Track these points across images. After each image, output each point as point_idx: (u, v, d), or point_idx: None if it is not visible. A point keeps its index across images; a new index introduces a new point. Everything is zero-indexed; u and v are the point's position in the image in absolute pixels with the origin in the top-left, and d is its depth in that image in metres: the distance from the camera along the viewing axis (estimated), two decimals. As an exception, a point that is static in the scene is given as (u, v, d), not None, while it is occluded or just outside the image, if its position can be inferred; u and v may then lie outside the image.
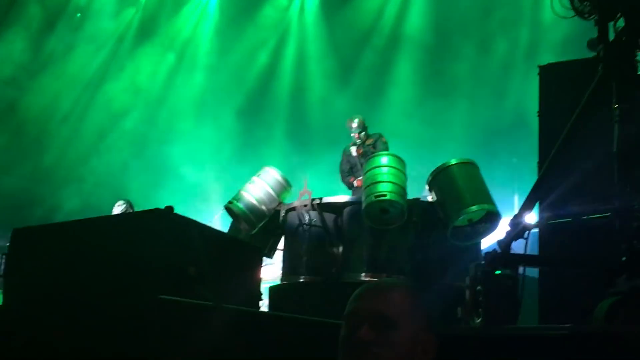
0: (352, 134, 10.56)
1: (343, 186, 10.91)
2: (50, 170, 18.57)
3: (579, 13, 4.24)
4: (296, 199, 8.41)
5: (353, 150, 10.53)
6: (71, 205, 16.57)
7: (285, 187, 8.63)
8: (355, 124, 10.50)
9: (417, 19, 17.13)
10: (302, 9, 18.51)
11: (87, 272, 3.97)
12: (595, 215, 5.13)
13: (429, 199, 7.90)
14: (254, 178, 8.76)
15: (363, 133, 10.55)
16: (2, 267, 4.28)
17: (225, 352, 3.66)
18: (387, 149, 10.15)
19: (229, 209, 8.70)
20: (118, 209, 10.65)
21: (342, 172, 10.79)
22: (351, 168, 10.61)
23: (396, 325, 2.25)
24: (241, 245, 5.05)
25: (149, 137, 18.37)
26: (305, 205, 8.13)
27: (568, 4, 4.29)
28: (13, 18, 18.79)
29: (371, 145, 10.45)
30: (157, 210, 3.79)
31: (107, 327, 3.51)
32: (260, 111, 18.18)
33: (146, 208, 3.98)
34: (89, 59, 18.90)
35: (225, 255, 4.22)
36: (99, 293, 3.86)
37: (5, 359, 3.83)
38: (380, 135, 10.60)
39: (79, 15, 19.03)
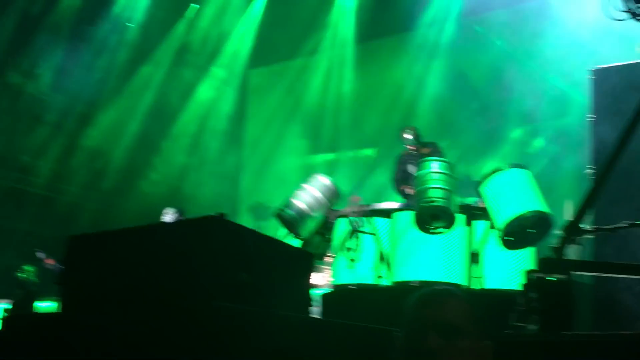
0: (406, 145, 10.40)
1: (390, 193, 10.84)
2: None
3: (635, 15, 4.18)
4: (346, 205, 8.44)
5: (410, 167, 10.21)
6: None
7: (335, 193, 8.65)
8: (409, 135, 10.36)
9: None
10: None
11: (141, 279, 4.02)
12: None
13: (480, 204, 7.86)
14: (304, 185, 8.79)
15: (417, 143, 10.35)
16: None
17: (276, 358, 3.67)
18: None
19: (279, 216, 8.74)
20: (168, 217, 10.77)
21: (395, 180, 10.62)
22: (405, 176, 10.39)
23: (462, 333, 2.24)
24: (292, 252, 5.06)
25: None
26: (356, 212, 8.14)
27: (622, 6, 4.23)
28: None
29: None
30: (209, 217, 3.83)
31: (161, 333, 3.54)
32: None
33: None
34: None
35: (276, 261, 4.23)
36: (152, 299, 3.91)
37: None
38: (435, 145, 10.38)
39: None
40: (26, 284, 13.57)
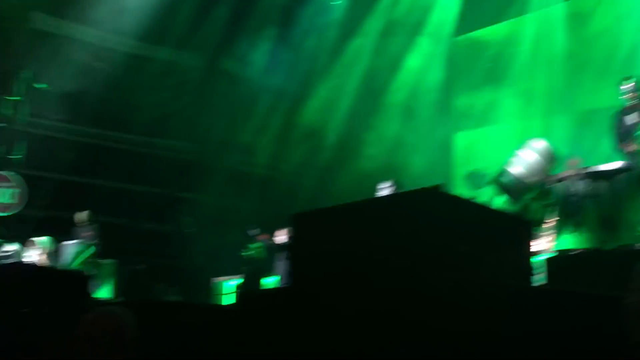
0: (625, 97, 9.82)
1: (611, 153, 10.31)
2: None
3: None
4: (565, 169, 8.22)
5: (629, 119, 9.69)
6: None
7: (552, 157, 8.45)
8: (628, 86, 9.78)
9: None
10: None
11: (362, 252, 4.14)
12: None
13: None
14: (519, 151, 8.66)
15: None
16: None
17: (496, 327, 3.67)
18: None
19: (495, 183, 8.67)
20: (384, 191, 10.89)
21: (616, 138, 9.89)
22: (626, 133, 9.79)
23: None
24: (511, 220, 5.02)
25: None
26: (575, 175, 7.91)
27: None
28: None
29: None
30: (426, 189, 3.88)
31: (385, 308, 3.63)
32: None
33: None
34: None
35: (495, 230, 4.22)
36: (373, 273, 4.02)
37: (294, 339, 4.07)
38: None
39: None
40: (254, 261, 14.23)
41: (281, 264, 12.84)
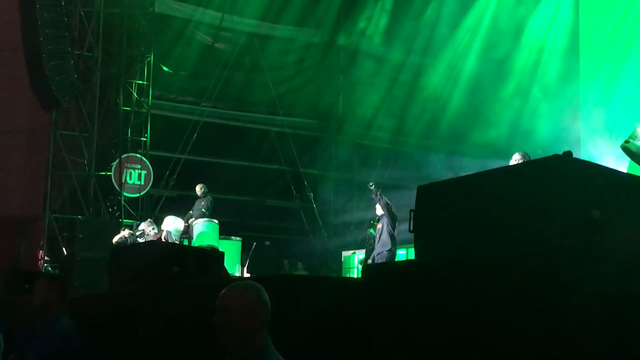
0: None
1: None
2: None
3: None
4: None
5: None
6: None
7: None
8: None
9: None
10: None
11: (491, 224, 4.06)
12: None
13: None
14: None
15: None
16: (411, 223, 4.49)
17: (632, 296, 3.55)
18: None
19: (625, 148, 8.36)
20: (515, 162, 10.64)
21: None
22: None
23: None
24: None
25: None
26: None
27: None
28: None
29: None
30: (556, 156, 3.76)
31: (517, 278, 3.56)
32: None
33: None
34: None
35: (630, 196, 4.05)
36: (504, 243, 3.94)
37: (424, 312, 4.04)
38: None
39: None
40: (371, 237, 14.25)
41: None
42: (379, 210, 13.45)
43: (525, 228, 3.81)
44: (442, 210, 4.46)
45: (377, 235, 13.33)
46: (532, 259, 3.54)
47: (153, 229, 14.71)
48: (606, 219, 3.78)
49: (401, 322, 4.17)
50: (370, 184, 13.73)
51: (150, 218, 15.83)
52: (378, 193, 13.45)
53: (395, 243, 13.21)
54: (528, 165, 4.03)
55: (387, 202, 13.36)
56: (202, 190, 16.44)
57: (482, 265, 3.81)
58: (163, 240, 14.39)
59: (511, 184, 4.02)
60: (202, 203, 16.24)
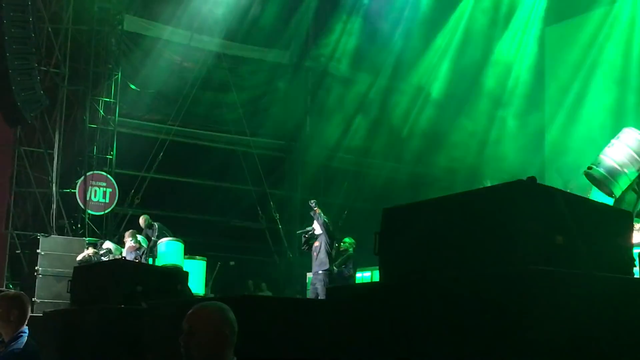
0: None
1: None
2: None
3: None
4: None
5: None
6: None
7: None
8: None
9: None
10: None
11: (454, 247, 4.09)
12: None
13: None
14: (614, 141, 8.45)
15: None
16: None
17: (595, 321, 3.59)
18: None
19: (588, 174, 8.48)
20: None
21: None
22: None
23: None
24: (609, 210, 4.89)
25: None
26: (674, 165, 7.67)
27: None
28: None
29: None
30: (520, 181, 3.81)
31: (479, 299, 3.59)
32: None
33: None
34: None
35: (593, 221, 4.11)
36: (466, 267, 3.98)
37: (386, 333, 4.06)
38: None
39: None
40: (345, 255, 14.26)
41: None
42: (318, 229, 13.43)
43: (488, 252, 3.85)
44: (407, 233, 4.48)
45: (315, 254, 13.31)
46: (495, 283, 3.57)
47: (132, 240, 14.66)
48: (569, 244, 3.83)
49: (363, 344, 4.18)
50: (312, 201, 13.72)
51: (115, 236, 15.74)
52: (317, 210, 13.42)
53: (332, 261, 13.25)
54: (492, 190, 4.07)
55: (325, 221, 13.34)
56: (145, 222, 16.37)
57: (445, 288, 3.84)
58: (137, 253, 14.39)
59: (476, 208, 4.06)
60: (149, 232, 16.18)
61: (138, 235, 15.06)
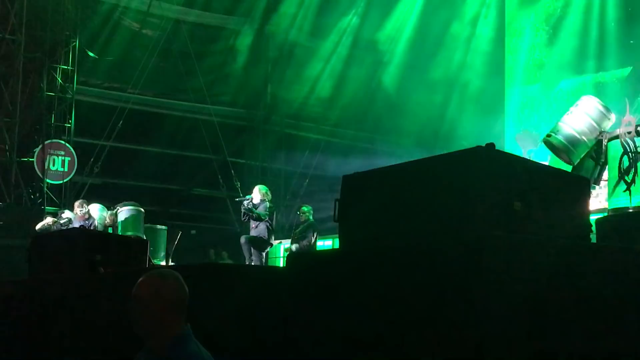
0: None
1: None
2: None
3: None
4: (619, 127, 8.05)
5: None
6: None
7: (605, 115, 8.28)
8: None
9: None
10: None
11: (413, 213, 4.10)
12: None
13: None
14: (572, 109, 8.50)
15: None
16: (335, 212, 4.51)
17: (552, 286, 3.63)
18: None
19: (547, 142, 8.53)
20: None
21: None
22: None
23: None
24: (567, 177, 4.92)
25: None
26: (630, 133, 7.75)
27: None
28: None
29: None
30: (479, 147, 3.82)
31: (438, 267, 3.60)
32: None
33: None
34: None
35: (550, 188, 4.14)
36: (426, 233, 3.99)
37: (344, 299, 4.06)
38: None
39: None
40: (306, 223, 14.25)
41: None
42: (256, 199, 13.24)
43: (447, 218, 3.86)
44: (367, 200, 4.49)
45: (254, 225, 13.15)
46: (454, 248, 3.58)
47: (82, 210, 14.41)
48: (526, 210, 3.86)
49: (322, 312, 4.19)
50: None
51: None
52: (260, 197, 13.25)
53: (272, 233, 13.18)
54: (451, 156, 4.07)
55: (268, 207, 13.18)
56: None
57: (403, 254, 3.85)
58: (86, 223, 14.17)
59: (434, 174, 4.07)
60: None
61: (87, 205, 14.76)
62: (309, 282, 4.38)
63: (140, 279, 3.38)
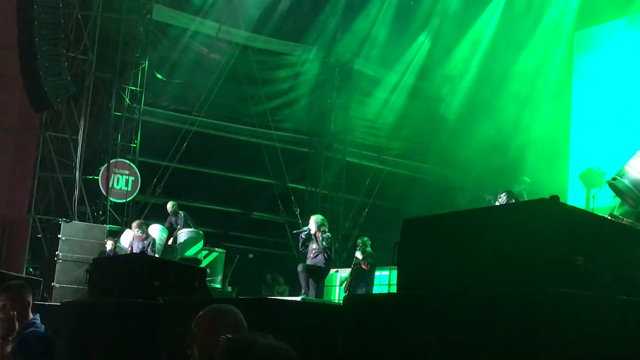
0: None
1: None
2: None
3: None
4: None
5: None
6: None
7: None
8: None
9: None
10: None
11: (474, 262, 4.06)
12: None
13: None
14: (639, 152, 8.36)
15: None
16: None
17: (616, 343, 3.56)
18: None
19: (612, 185, 8.41)
20: (500, 200, 10.61)
21: None
22: None
23: None
24: (633, 233, 4.82)
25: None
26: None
27: None
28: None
29: None
30: (543, 200, 3.77)
31: (495, 317, 3.56)
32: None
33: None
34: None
35: (615, 243, 4.07)
36: (486, 282, 3.95)
37: (400, 344, 4.04)
38: None
39: None
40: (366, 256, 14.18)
41: None
42: (313, 229, 13.11)
43: (508, 269, 3.82)
44: (426, 245, 4.46)
45: (311, 255, 13.02)
46: (514, 301, 3.53)
47: (139, 231, 14.62)
48: (590, 266, 3.79)
49: (377, 354, 4.16)
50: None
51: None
52: (318, 234, 13.11)
53: (330, 262, 13.08)
54: (515, 207, 4.03)
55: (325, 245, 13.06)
56: (172, 208, 16.45)
57: (461, 302, 3.81)
58: (144, 244, 14.39)
59: (497, 225, 4.03)
60: (174, 219, 16.26)
61: (145, 227, 15.00)
62: (366, 323, 4.36)
63: (199, 314, 3.40)
